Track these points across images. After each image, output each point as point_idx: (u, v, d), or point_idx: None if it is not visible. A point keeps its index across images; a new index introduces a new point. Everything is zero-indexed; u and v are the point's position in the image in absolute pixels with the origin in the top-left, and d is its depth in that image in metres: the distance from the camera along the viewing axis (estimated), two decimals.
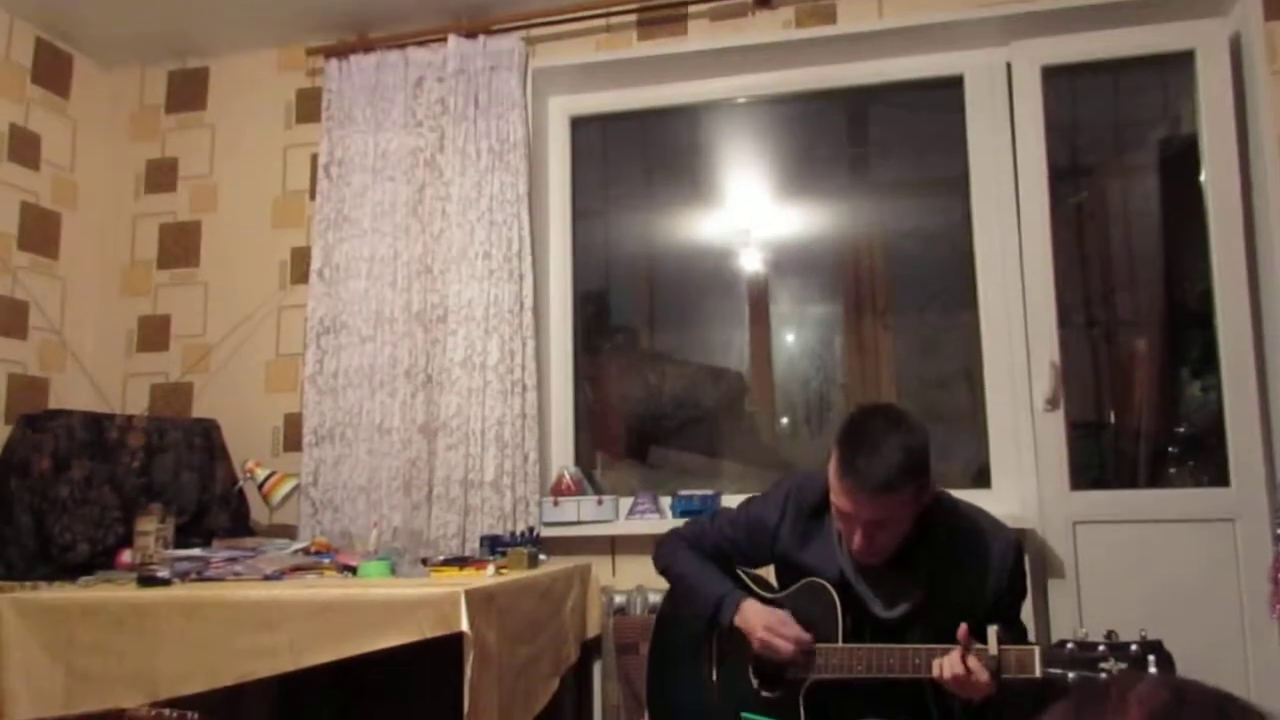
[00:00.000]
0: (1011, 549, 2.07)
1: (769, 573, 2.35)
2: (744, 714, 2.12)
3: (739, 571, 2.33)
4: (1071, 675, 1.77)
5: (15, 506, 2.75)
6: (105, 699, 2.21)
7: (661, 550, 2.40)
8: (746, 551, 2.31)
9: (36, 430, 2.84)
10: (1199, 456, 3.11)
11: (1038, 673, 1.82)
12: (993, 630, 1.87)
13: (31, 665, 2.27)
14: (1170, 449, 3.20)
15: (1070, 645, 1.80)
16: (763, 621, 2.10)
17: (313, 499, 3.31)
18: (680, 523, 2.51)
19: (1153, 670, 1.71)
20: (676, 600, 2.38)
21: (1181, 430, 3.19)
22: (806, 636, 2.07)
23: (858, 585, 2.09)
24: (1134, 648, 1.75)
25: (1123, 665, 1.73)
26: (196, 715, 1.99)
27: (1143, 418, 3.23)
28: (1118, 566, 2.89)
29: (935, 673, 1.89)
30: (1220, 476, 2.93)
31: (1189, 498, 2.99)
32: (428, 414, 3.28)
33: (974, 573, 2.04)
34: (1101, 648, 1.77)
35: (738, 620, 2.15)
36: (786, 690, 2.10)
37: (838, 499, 1.99)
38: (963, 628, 1.87)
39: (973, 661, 1.85)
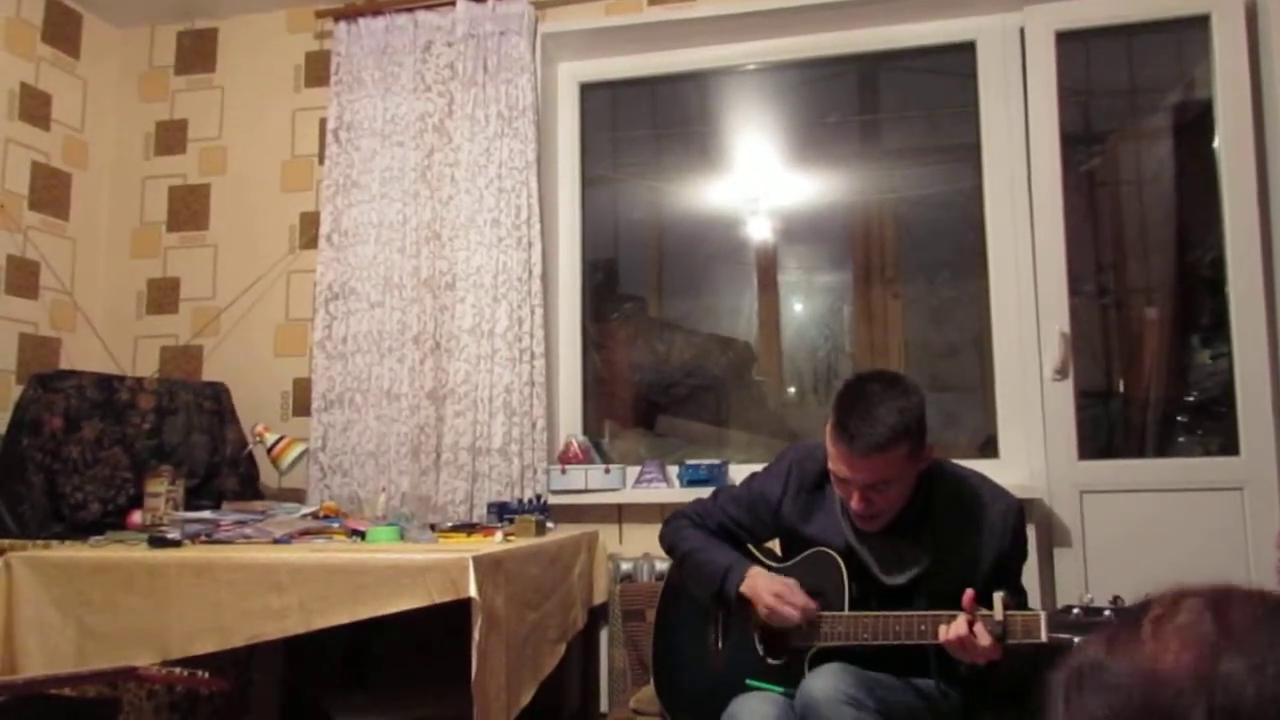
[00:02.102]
0: (1013, 513, 2.10)
1: (776, 546, 2.36)
2: (749, 681, 2.14)
3: (748, 546, 2.35)
4: (1077, 640, 1.77)
5: (27, 465, 2.77)
6: (116, 656, 2.22)
7: (666, 530, 2.42)
8: (751, 527, 2.32)
9: (48, 390, 2.85)
10: (1208, 425, 3.10)
11: (1043, 637, 1.84)
12: (998, 596, 1.89)
13: (43, 622, 2.29)
14: (1179, 418, 3.19)
15: (1076, 610, 1.82)
16: (769, 589, 2.11)
17: (321, 463, 3.32)
18: (687, 493, 2.52)
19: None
20: (684, 576, 2.40)
21: (1191, 399, 3.18)
22: (813, 604, 2.08)
23: (862, 553, 2.10)
24: None
25: None
26: (206, 673, 2.01)
27: (1152, 386, 3.22)
28: (1125, 536, 2.88)
29: (940, 637, 1.90)
30: (1229, 445, 2.92)
31: (1198, 466, 2.98)
32: (436, 380, 3.29)
33: (976, 537, 2.06)
34: (1107, 612, 1.78)
35: (744, 588, 2.16)
36: (792, 658, 2.12)
37: (834, 463, 2.01)
38: (968, 593, 1.88)
39: (977, 627, 1.86)
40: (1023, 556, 2.16)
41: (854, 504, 2.00)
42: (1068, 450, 2.96)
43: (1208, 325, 3.12)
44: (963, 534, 2.06)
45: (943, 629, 1.91)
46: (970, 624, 1.87)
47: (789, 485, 2.24)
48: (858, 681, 1.94)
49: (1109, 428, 3.26)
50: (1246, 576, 2.75)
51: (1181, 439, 3.17)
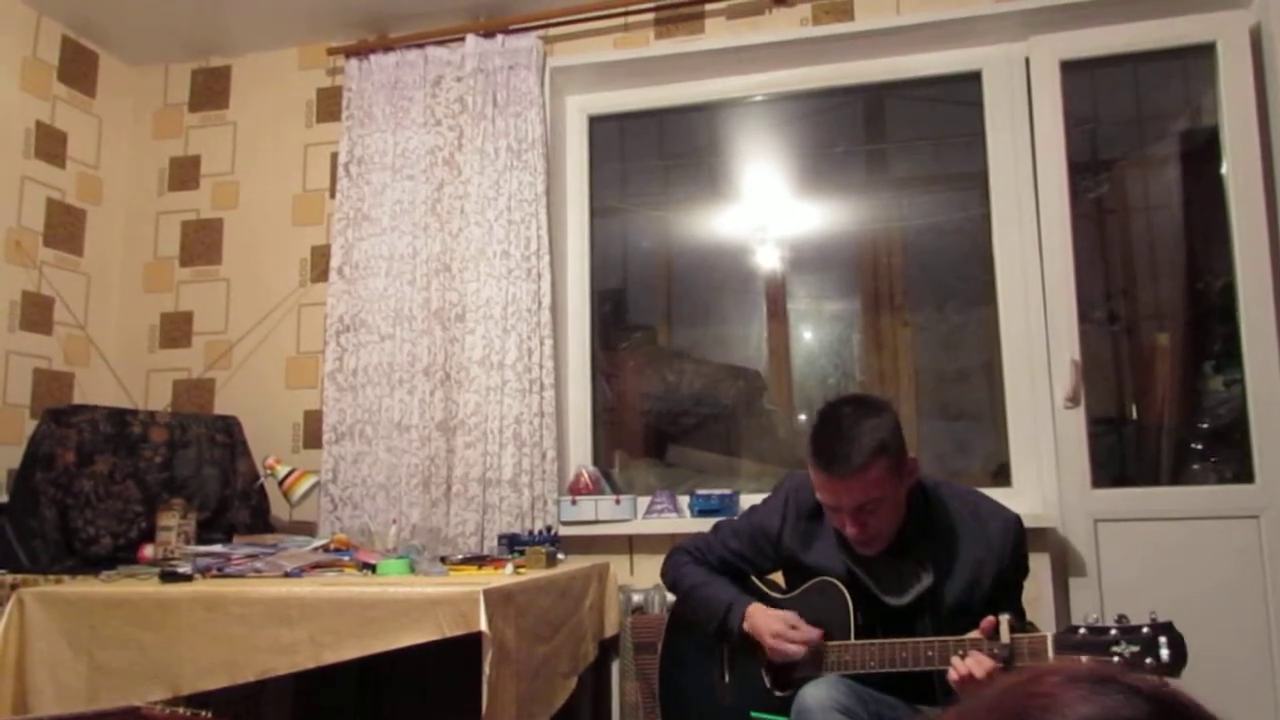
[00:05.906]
0: (1012, 528, 2.10)
1: (779, 577, 2.36)
2: (753, 713, 2.13)
3: (751, 579, 2.34)
4: (1084, 659, 1.78)
5: (40, 499, 2.78)
6: (128, 693, 2.21)
7: (668, 566, 2.43)
8: (752, 560, 2.33)
9: (61, 424, 2.86)
10: (1222, 452, 3.07)
11: (1051, 659, 1.83)
12: (1005, 619, 1.89)
13: (55, 658, 2.29)
14: (1193, 445, 3.16)
15: (1082, 630, 1.82)
16: (771, 628, 2.12)
17: (332, 495, 3.32)
18: (698, 524, 2.51)
19: (1152, 660, 1.72)
20: (687, 613, 2.39)
21: (1204, 426, 3.16)
22: (816, 634, 2.07)
23: (865, 577, 2.10)
24: (1145, 630, 1.75)
25: (1135, 648, 1.74)
26: (210, 714, 1.99)
27: (1165, 413, 3.20)
28: (1140, 565, 2.86)
29: (952, 674, 1.89)
30: (1244, 472, 2.90)
31: (1212, 494, 2.96)
32: (446, 412, 3.29)
33: (977, 554, 2.07)
34: (1113, 631, 1.78)
35: (746, 626, 2.17)
36: (798, 689, 2.10)
37: (819, 491, 2.03)
38: (988, 620, 1.88)
39: (986, 664, 1.85)
40: (1024, 573, 2.15)
41: (849, 530, 2.01)
42: (1081, 478, 2.94)
43: (1220, 351, 3.11)
44: (963, 550, 2.07)
45: (955, 661, 1.90)
46: (988, 671, 1.85)
47: (787, 515, 2.25)
48: (851, 691, 1.95)
49: (1122, 456, 3.24)
50: (1265, 605, 2.75)
51: (1196, 466, 3.15)
